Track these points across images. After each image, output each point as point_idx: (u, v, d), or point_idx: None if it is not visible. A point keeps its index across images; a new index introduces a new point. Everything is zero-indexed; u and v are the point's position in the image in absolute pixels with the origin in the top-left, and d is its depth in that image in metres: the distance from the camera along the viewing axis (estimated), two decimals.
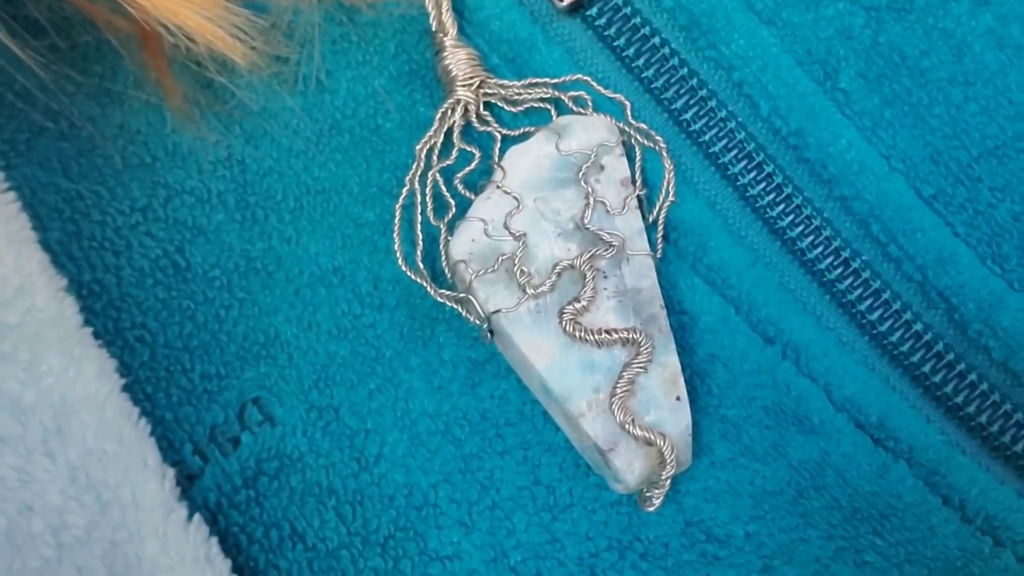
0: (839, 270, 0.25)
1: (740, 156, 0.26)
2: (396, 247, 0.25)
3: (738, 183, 0.26)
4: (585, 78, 0.26)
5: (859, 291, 0.25)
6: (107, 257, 0.25)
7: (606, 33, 0.27)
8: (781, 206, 0.26)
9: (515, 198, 0.24)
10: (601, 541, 0.24)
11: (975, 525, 0.23)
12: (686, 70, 0.26)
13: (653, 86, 0.26)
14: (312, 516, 0.24)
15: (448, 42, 0.26)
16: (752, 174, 0.26)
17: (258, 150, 0.26)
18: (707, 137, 0.26)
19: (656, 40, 0.26)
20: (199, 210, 0.26)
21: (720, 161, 0.26)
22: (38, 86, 0.26)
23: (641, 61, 0.26)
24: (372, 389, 0.24)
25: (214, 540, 0.22)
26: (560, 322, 0.23)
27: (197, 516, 0.22)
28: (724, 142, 0.26)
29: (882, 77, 0.26)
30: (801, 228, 0.26)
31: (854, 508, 0.24)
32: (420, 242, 0.25)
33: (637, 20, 0.26)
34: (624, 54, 0.27)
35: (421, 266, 0.25)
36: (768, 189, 0.26)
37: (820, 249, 0.26)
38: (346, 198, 0.26)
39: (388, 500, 0.24)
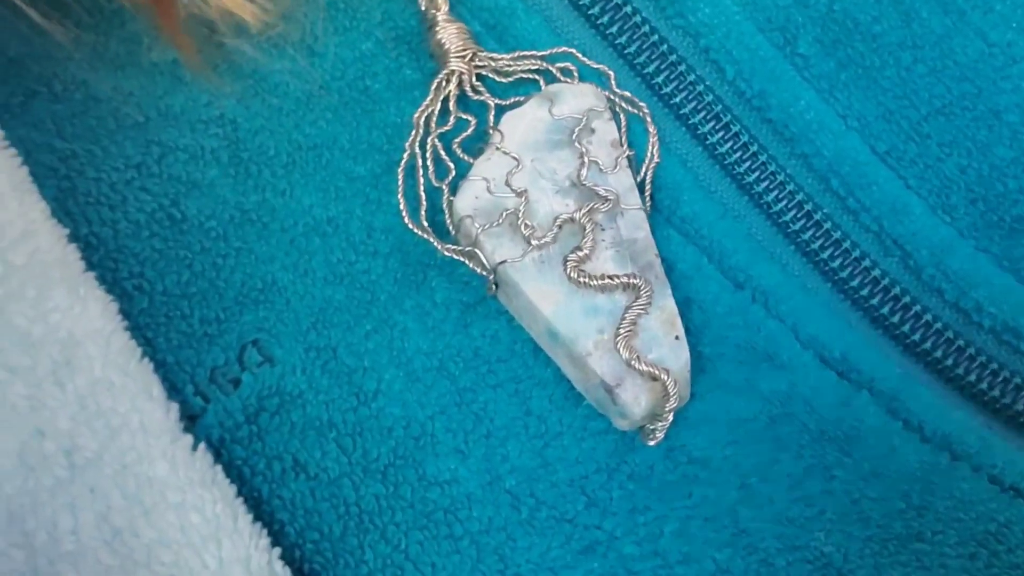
0: (802, 222, 0.27)
1: (708, 117, 0.28)
2: (401, 207, 0.26)
3: (707, 142, 0.28)
4: (571, 50, 0.28)
5: (821, 241, 0.27)
6: (103, 211, 0.26)
7: (581, 2, 0.28)
8: (747, 163, 0.27)
9: (514, 158, 0.26)
10: (590, 465, 0.25)
11: (933, 443, 0.25)
12: (656, 37, 0.28)
13: (626, 52, 0.28)
14: (313, 448, 0.25)
15: (440, 17, 0.27)
16: (720, 134, 0.28)
17: (249, 110, 0.27)
18: (678, 99, 0.28)
19: (628, 8, 0.28)
20: (193, 166, 0.27)
21: (690, 122, 0.28)
22: (30, 53, 0.27)
23: (615, 28, 0.28)
24: (368, 330, 0.26)
25: (219, 467, 0.23)
26: (565, 269, 0.24)
27: (202, 444, 0.23)
28: (693, 104, 0.28)
29: (837, 42, 0.28)
30: (766, 183, 0.27)
31: (821, 431, 0.25)
32: (424, 202, 0.26)
33: None
34: (599, 22, 0.28)
35: (425, 223, 0.26)
36: (735, 148, 0.28)
37: (784, 203, 0.27)
38: (337, 154, 0.27)
39: (387, 431, 0.25)
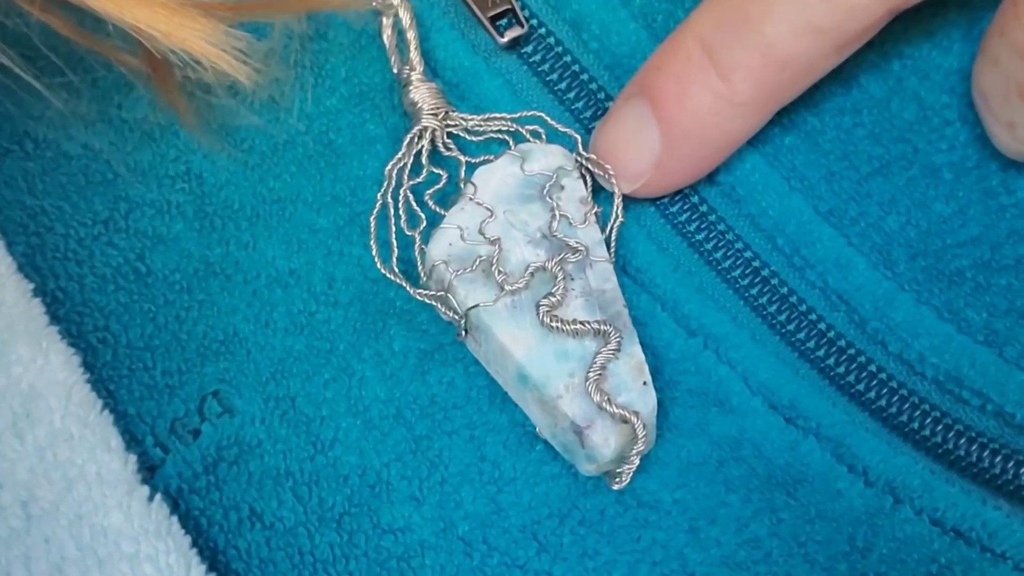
0: (750, 278, 0.28)
1: None
2: (374, 252, 0.26)
3: (657, 202, 0.29)
4: (540, 114, 0.28)
5: (768, 296, 0.28)
6: (70, 266, 0.27)
7: (540, 69, 0.29)
8: (696, 223, 0.28)
9: (487, 209, 0.27)
10: (542, 510, 0.25)
11: (877, 487, 0.26)
12: (611, 104, 0.29)
13: (582, 116, 0.29)
14: (270, 498, 0.25)
15: (415, 77, 0.28)
16: (670, 195, 0.29)
17: (215, 164, 0.28)
18: None
19: (584, 76, 0.29)
20: (159, 220, 0.27)
21: None
22: (3, 113, 0.28)
23: (572, 94, 0.29)
24: (327, 379, 0.26)
25: (174, 518, 0.23)
26: (537, 314, 0.25)
27: (159, 495, 0.23)
28: None
29: (780, 108, 0.29)
30: (715, 242, 0.28)
31: (769, 475, 0.26)
32: (395, 249, 0.27)
33: (567, 59, 0.29)
34: (556, 88, 0.29)
35: (396, 269, 0.27)
36: (684, 208, 0.29)
37: (732, 260, 0.28)
38: (300, 206, 0.28)
39: (343, 480, 0.25)
